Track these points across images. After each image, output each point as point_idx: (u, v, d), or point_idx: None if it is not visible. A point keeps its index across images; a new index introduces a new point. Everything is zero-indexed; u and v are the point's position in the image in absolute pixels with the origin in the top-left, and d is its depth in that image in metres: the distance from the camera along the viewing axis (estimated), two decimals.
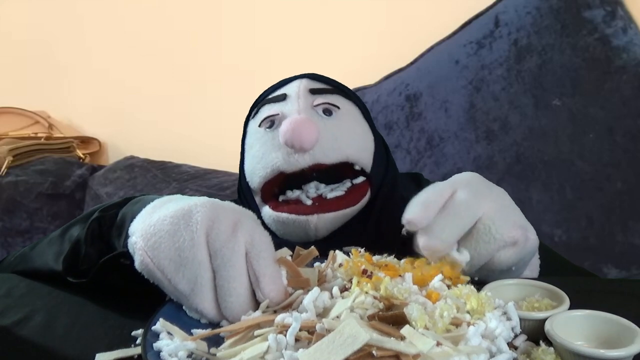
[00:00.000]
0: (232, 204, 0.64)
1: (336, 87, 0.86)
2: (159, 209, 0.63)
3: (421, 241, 0.62)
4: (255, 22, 2.03)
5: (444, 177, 1.62)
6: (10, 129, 2.26)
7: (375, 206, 0.85)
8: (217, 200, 0.62)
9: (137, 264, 0.60)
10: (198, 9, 2.12)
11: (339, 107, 0.82)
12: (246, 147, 0.87)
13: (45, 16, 2.43)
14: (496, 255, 0.62)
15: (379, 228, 0.84)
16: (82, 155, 2.27)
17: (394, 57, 1.76)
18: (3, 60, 2.54)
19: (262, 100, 0.87)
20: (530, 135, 1.50)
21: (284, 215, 0.81)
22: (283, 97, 0.82)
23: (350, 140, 0.82)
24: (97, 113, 2.41)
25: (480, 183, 0.68)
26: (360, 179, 0.84)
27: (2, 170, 1.93)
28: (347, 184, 0.83)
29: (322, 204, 0.81)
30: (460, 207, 0.62)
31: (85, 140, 2.38)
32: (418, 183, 0.94)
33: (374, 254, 0.67)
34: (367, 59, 1.82)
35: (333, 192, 0.83)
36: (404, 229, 0.64)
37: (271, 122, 0.82)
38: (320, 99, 0.82)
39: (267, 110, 0.83)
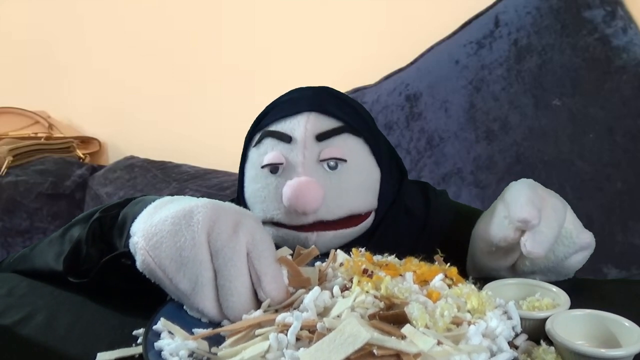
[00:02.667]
0: (233, 205, 0.64)
1: (344, 122, 0.81)
2: (160, 209, 0.63)
3: (529, 245, 0.63)
4: (255, 22, 2.03)
5: (444, 177, 1.62)
6: (10, 129, 2.26)
7: (381, 225, 0.84)
8: (218, 201, 0.63)
9: (138, 264, 0.60)
10: (198, 9, 2.12)
11: (345, 161, 0.79)
12: (246, 174, 0.85)
13: (45, 16, 2.43)
14: (570, 258, 0.68)
15: (381, 243, 0.83)
16: (82, 155, 2.27)
17: (394, 57, 1.76)
18: (3, 60, 2.54)
19: (264, 125, 0.84)
20: (530, 135, 1.50)
21: (284, 230, 0.80)
22: (288, 139, 0.79)
23: (355, 194, 0.80)
24: (97, 113, 2.41)
25: (547, 190, 0.73)
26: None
27: (2, 170, 1.93)
28: None
29: (322, 223, 0.79)
30: (557, 211, 0.66)
31: (85, 140, 2.38)
32: (425, 194, 0.92)
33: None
34: (367, 59, 1.82)
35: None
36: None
37: (275, 168, 0.79)
38: (327, 151, 0.78)
39: (270, 148, 0.81)
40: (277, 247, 0.63)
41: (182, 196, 0.66)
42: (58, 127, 2.38)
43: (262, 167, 0.80)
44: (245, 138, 0.88)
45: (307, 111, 0.80)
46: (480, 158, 1.54)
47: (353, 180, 0.80)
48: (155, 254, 0.58)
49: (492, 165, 1.52)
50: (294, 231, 0.79)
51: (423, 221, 0.88)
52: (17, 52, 2.52)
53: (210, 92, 2.12)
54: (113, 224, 0.71)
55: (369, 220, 0.83)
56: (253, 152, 0.84)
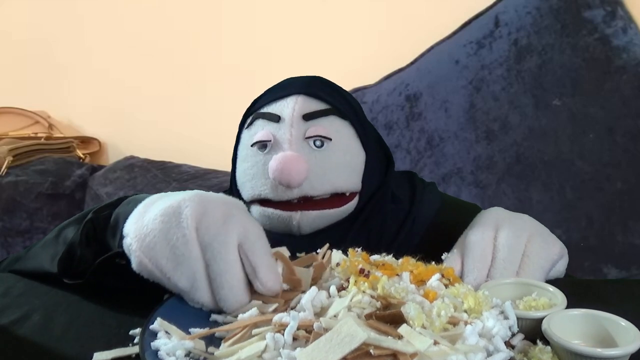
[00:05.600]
0: (222, 195, 0.65)
1: (331, 105, 0.84)
2: (150, 207, 0.63)
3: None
4: (255, 22, 2.03)
5: (444, 177, 1.62)
6: (10, 129, 2.26)
7: (365, 208, 0.86)
8: (205, 193, 0.63)
9: (134, 266, 0.60)
10: (198, 9, 2.12)
11: (330, 139, 0.82)
12: (238, 155, 0.88)
13: (45, 16, 2.43)
14: (553, 270, 0.70)
15: (366, 226, 0.85)
16: (82, 155, 2.27)
17: (394, 57, 1.76)
18: (3, 60, 2.54)
19: (257, 109, 0.87)
20: (530, 135, 1.50)
21: (270, 210, 0.82)
22: (276, 119, 0.82)
23: (339, 171, 0.82)
24: (97, 113, 2.42)
25: (508, 215, 0.74)
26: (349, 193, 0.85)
27: (2, 170, 1.93)
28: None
29: (307, 203, 0.82)
30: (509, 251, 0.67)
31: (85, 140, 2.38)
32: (412, 183, 0.94)
33: (372, 254, 0.67)
34: (367, 59, 1.82)
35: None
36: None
37: (263, 146, 0.82)
38: (312, 129, 0.81)
39: (260, 128, 0.83)
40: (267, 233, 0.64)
41: (171, 192, 0.66)
42: (58, 127, 2.38)
43: (252, 145, 0.83)
44: (239, 123, 0.91)
45: (296, 94, 0.84)
46: (480, 158, 1.54)
47: (338, 158, 0.82)
48: (150, 255, 0.59)
49: (492, 165, 1.52)
50: (279, 210, 0.81)
51: (408, 209, 0.90)
52: (17, 52, 2.52)
53: (210, 92, 2.12)
54: (106, 225, 0.71)
55: (353, 202, 0.84)
56: (245, 134, 0.87)
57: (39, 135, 2.25)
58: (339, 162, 0.82)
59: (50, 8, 2.41)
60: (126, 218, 0.65)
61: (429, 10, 1.75)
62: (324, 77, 0.92)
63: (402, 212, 0.89)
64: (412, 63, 1.74)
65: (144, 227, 0.60)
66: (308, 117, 0.82)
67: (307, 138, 0.81)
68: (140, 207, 0.65)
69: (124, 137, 2.36)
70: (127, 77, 2.30)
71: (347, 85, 1.77)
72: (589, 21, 1.48)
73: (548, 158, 1.46)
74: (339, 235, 0.82)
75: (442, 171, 1.59)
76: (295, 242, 0.71)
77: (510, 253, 0.67)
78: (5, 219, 1.90)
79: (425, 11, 1.75)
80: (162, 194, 0.67)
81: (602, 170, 1.41)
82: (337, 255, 0.65)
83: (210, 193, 0.64)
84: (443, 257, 0.71)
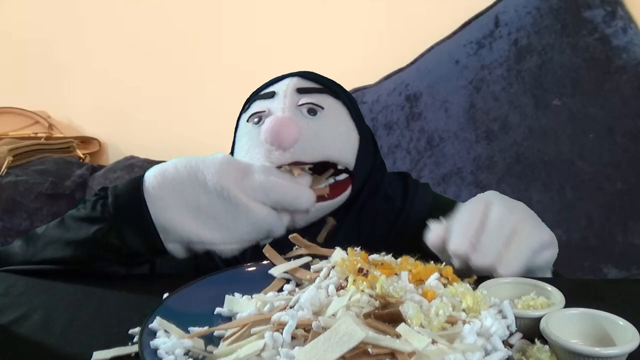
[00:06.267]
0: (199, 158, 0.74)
1: (326, 87, 0.87)
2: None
3: (475, 261, 0.65)
4: (255, 22, 2.03)
5: (444, 177, 1.62)
6: (10, 129, 2.27)
7: (358, 201, 0.87)
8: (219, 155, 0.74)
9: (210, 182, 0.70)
10: (198, 9, 2.12)
11: (323, 108, 0.83)
12: (236, 139, 0.90)
13: (45, 16, 2.43)
14: (540, 258, 0.68)
15: (358, 221, 0.86)
16: (82, 155, 2.27)
17: (394, 57, 1.76)
18: (3, 60, 2.54)
19: (254, 95, 0.90)
20: (530, 135, 1.50)
21: None
22: (272, 95, 0.85)
23: (331, 140, 0.83)
24: (97, 113, 2.42)
25: (504, 197, 0.73)
26: (343, 176, 0.85)
27: (2, 170, 1.93)
28: (330, 180, 0.84)
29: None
30: (499, 220, 0.67)
31: (85, 140, 2.38)
32: (405, 183, 0.95)
33: (370, 253, 0.67)
34: (367, 59, 1.82)
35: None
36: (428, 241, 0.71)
37: (258, 118, 0.84)
38: (305, 99, 0.83)
39: (256, 106, 0.86)
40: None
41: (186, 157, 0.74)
42: (58, 127, 2.38)
43: (247, 120, 0.86)
44: (239, 114, 0.93)
45: (291, 76, 0.87)
46: (480, 158, 1.54)
47: (330, 127, 0.83)
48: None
49: (492, 165, 1.52)
50: None
51: (400, 207, 0.90)
52: (17, 52, 2.52)
53: (210, 92, 2.12)
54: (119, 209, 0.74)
55: (347, 192, 0.85)
56: (242, 117, 0.89)
57: (39, 135, 2.25)
58: (331, 131, 0.83)
59: (50, 8, 2.41)
60: (129, 192, 0.72)
61: (429, 10, 1.75)
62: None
63: (393, 212, 0.90)
64: (412, 63, 1.74)
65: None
66: (302, 90, 0.84)
67: (300, 106, 0.82)
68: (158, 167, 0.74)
69: (124, 137, 2.36)
70: (127, 77, 2.30)
71: (347, 85, 1.76)
72: (589, 21, 1.48)
73: (548, 158, 1.46)
74: (331, 232, 0.82)
75: (442, 171, 1.59)
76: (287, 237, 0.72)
77: (500, 224, 0.67)
78: (5, 219, 1.90)
79: (425, 11, 1.76)
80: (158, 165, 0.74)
81: (602, 170, 1.41)
82: (338, 253, 0.66)
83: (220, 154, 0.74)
84: (428, 222, 0.72)
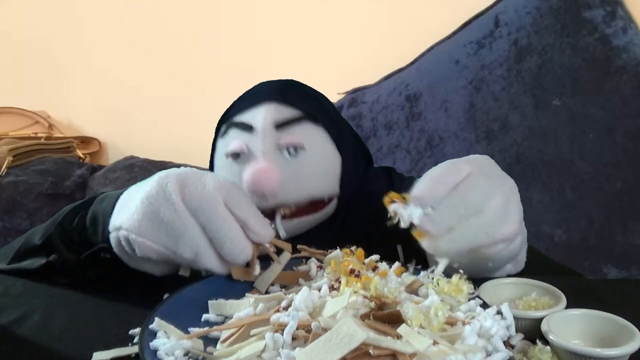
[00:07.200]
0: (193, 168, 0.68)
1: (304, 112, 0.84)
2: (130, 197, 0.67)
3: (423, 223, 0.62)
4: (255, 22, 2.03)
5: None
6: (10, 129, 2.26)
7: (342, 207, 0.86)
8: (177, 169, 0.67)
9: (139, 252, 0.63)
10: (198, 9, 2.12)
11: (304, 147, 0.81)
12: (215, 164, 0.90)
13: (45, 16, 2.43)
14: (487, 248, 0.62)
15: (344, 223, 0.86)
16: (82, 155, 2.27)
17: (394, 57, 1.76)
18: (3, 60, 2.54)
19: (230, 116, 0.88)
20: (530, 135, 1.49)
21: None
22: (250, 129, 0.82)
23: (315, 179, 0.82)
24: (97, 113, 2.42)
25: (494, 170, 0.68)
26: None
27: (2, 170, 1.93)
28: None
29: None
30: (471, 194, 0.62)
31: (85, 140, 2.38)
32: (389, 178, 0.94)
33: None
34: (367, 59, 1.82)
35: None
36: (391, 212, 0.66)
37: (237, 156, 0.83)
38: (285, 138, 0.81)
39: (233, 138, 0.84)
40: None
41: (142, 181, 0.69)
42: (58, 127, 2.38)
43: (226, 156, 0.84)
44: (215, 130, 0.92)
45: (267, 101, 0.84)
46: None
47: (312, 166, 0.82)
48: (151, 237, 0.62)
49: None
50: None
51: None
52: (17, 52, 2.52)
53: (210, 92, 2.12)
54: (82, 226, 0.74)
55: (332, 206, 0.85)
56: (220, 143, 0.88)
57: (39, 135, 2.25)
58: (314, 170, 0.82)
59: (50, 8, 2.41)
60: (105, 214, 0.69)
61: (429, 10, 1.75)
62: (296, 80, 0.92)
63: (377, 207, 0.88)
64: (412, 63, 1.74)
65: (133, 214, 0.63)
66: (280, 125, 0.82)
67: (280, 148, 0.81)
68: (121, 200, 0.68)
69: (124, 137, 2.36)
70: (127, 77, 2.30)
71: (347, 85, 1.78)
72: (589, 21, 1.48)
73: (548, 158, 1.46)
74: (319, 237, 0.81)
75: None
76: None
77: (467, 198, 0.61)
78: (5, 219, 1.90)
79: (425, 11, 1.76)
80: (137, 184, 0.70)
81: (602, 170, 1.41)
82: (333, 253, 0.66)
83: (182, 168, 0.67)
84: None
